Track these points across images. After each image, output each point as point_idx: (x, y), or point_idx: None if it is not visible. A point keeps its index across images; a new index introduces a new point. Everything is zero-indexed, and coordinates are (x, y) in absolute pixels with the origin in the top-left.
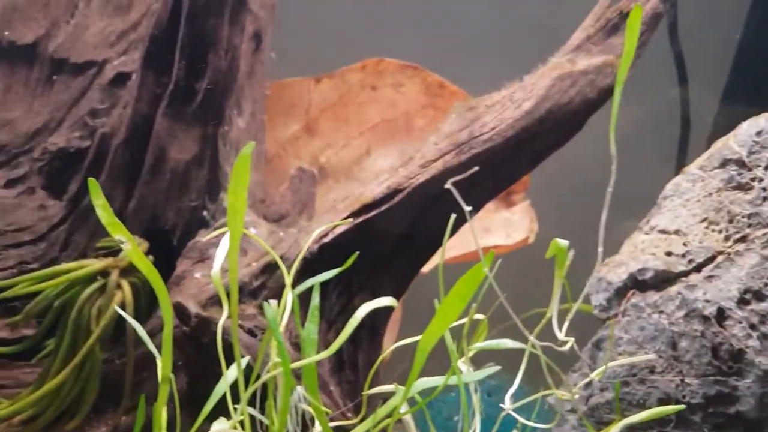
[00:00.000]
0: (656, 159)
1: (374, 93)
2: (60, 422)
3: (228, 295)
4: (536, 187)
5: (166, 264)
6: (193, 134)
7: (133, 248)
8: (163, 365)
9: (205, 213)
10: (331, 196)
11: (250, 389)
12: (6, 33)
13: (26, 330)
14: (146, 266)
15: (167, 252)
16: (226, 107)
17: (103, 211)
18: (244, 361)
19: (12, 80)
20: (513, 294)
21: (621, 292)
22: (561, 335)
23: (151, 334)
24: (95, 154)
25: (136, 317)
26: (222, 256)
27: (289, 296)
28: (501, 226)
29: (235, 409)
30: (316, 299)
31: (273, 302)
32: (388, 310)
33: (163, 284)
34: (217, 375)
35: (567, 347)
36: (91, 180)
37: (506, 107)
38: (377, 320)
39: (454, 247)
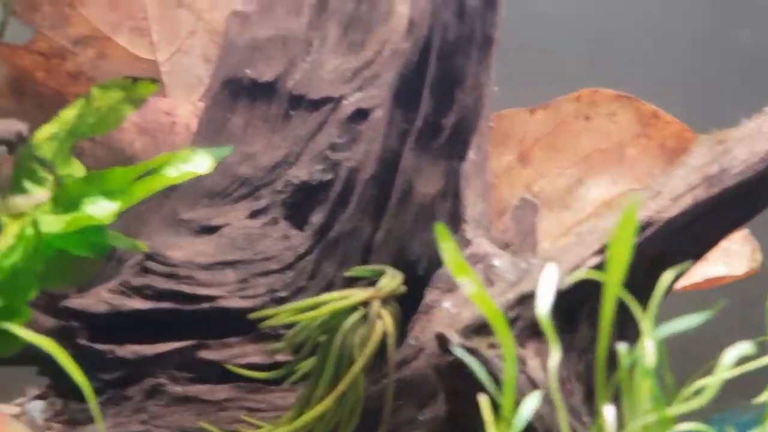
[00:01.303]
0: None
1: (588, 123)
2: None
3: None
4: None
5: (412, 294)
6: (439, 168)
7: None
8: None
9: None
10: (543, 225)
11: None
12: (248, 71)
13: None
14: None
15: (413, 282)
16: (471, 143)
17: (449, 253)
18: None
19: (252, 116)
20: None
21: None
22: None
23: (404, 362)
24: (342, 187)
25: None
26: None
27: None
28: (721, 255)
29: None
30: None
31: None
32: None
33: None
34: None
35: None
36: (440, 225)
37: (756, 140)
38: None
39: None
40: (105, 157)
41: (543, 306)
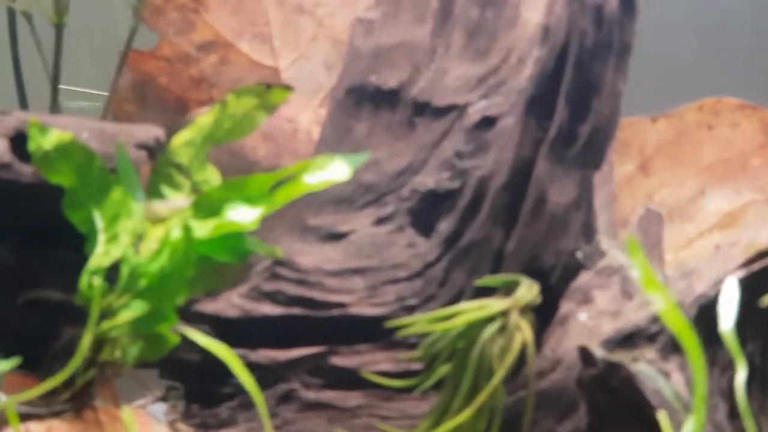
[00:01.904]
0: None
1: (710, 132)
2: None
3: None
4: None
5: (544, 304)
6: (574, 178)
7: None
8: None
9: (579, 254)
10: (665, 236)
11: None
12: (372, 78)
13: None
14: None
15: (545, 292)
16: (606, 152)
17: (640, 268)
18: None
19: (375, 123)
20: None
21: None
22: None
23: (541, 374)
24: (472, 195)
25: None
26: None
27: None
28: None
29: None
30: None
31: None
32: None
33: None
34: (624, 420)
35: None
36: (631, 239)
37: None
38: None
39: None
40: (229, 162)
41: (726, 322)
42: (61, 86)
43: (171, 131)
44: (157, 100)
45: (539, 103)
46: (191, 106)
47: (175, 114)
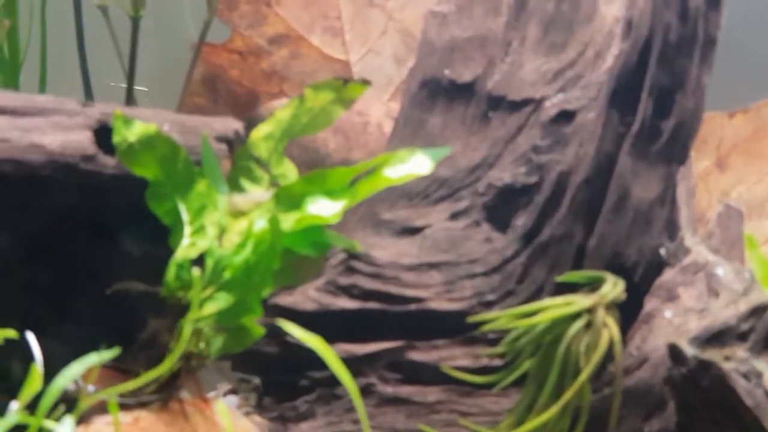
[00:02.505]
0: None
1: None
2: None
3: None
4: None
5: (628, 301)
6: (657, 173)
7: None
8: None
9: (663, 251)
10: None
11: None
12: (446, 71)
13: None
14: None
15: (629, 290)
16: (690, 147)
17: (760, 265)
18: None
19: (449, 117)
20: None
21: None
22: None
23: (627, 372)
24: (551, 190)
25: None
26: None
27: None
28: None
29: None
30: None
31: None
32: None
33: None
34: (716, 420)
35: None
36: (749, 237)
37: None
38: None
39: None
40: (300, 155)
41: None
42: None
43: (247, 124)
44: (228, 93)
45: (621, 97)
46: (262, 100)
47: (246, 107)
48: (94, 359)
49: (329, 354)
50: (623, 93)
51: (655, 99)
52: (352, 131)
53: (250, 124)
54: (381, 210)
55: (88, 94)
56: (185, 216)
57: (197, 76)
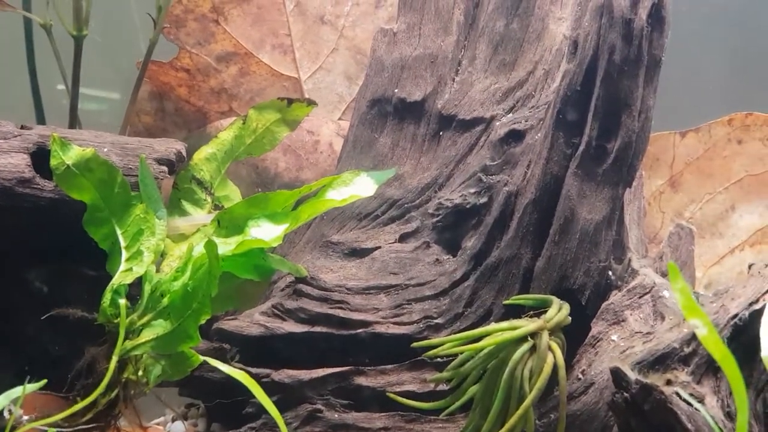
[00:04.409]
0: None
1: (740, 147)
2: None
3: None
4: None
5: (576, 324)
6: (604, 195)
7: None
8: None
9: (610, 273)
10: (696, 252)
11: None
12: (396, 90)
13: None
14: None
15: (576, 312)
16: (637, 168)
17: (682, 295)
18: None
19: (399, 136)
20: None
21: None
22: None
23: (572, 396)
24: (500, 212)
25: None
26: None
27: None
28: None
29: None
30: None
31: None
32: None
33: None
34: None
35: None
36: (671, 264)
37: None
38: None
39: None
40: (249, 175)
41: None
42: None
43: (191, 143)
44: (176, 111)
45: (568, 118)
46: (211, 118)
47: (195, 125)
48: (18, 392)
49: (254, 386)
50: (569, 114)
51: (601, 120)
52: (303, 150)
53: (199, 142)
54: (330, 231)
55: (39, 111)
56: (122, 241)
57: (144, 94)
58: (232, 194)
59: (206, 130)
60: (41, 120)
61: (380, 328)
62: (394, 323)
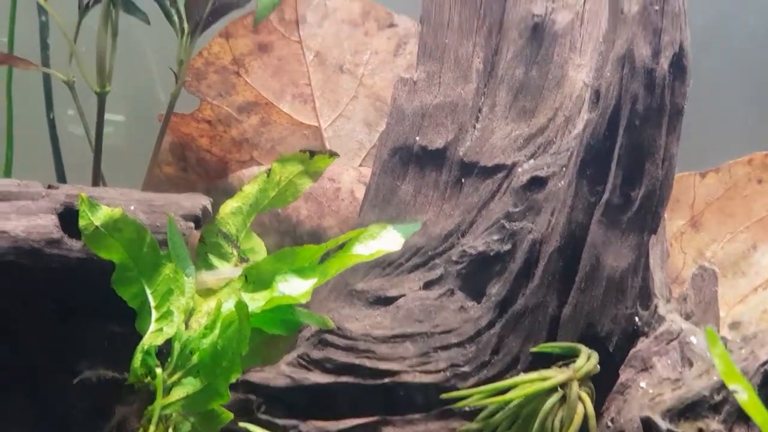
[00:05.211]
0: None
1: (760, 186)
2: None
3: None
4: None
5: (604, 372)
6: (629, 242)
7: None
8: None
9: (637, 320)
10: (719, 291)
11: None
12: (417, 138)
13: None
14: None
15: (604, 360)
16: (661, 215)
17: (721, 359)
18: None
19: (421, 183)
20: None
21: None
22: None
23: None
24: (524, 259)
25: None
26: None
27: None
28: None
29: None
30: None
31: None
32: None
33: None
34: None
35: None
36: (710, 330)
37: None
38: None
39: None
40: (272, 223)
41: None
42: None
43: (213, 194)
44: (198, 161)
45: (591, 166)
46: (232, 167)
47: (217, 175)
48: None
49: None
50: (593, 162)
51: (625, 168)
52: (324, 198)
53: (221, 192)
54: (354, 279)
55: (60, 168)
56: (152, 301)
57: (165, 146)
58: (257, 247)
59: (228, 180)
60: (60, 170)
61: (407, 377)
62: (421, 372)
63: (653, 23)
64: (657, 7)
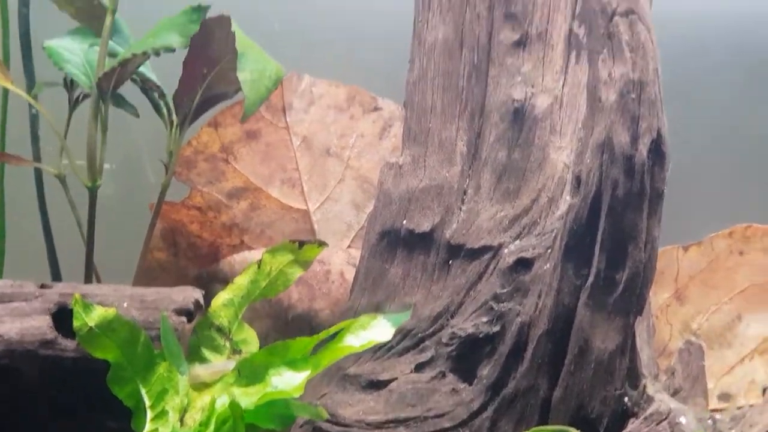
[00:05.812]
0: None
1: (742, 258)
2: None
3: None
4: None
5: None
6: (616, 324)
7: None
8: None
9: (626, 400)
10: (706, 363)
11: None
12: (405, 222)
13: None
14: None
15: None
16: (646, 297)
17: None
18: None
19: (410, 266)
20: None
21: None
22: None
23: None
24: (513, 342)
25: None
26: None
27: None
28: None
29: None
30: None
31: None
32: None
33: None
34: None
35: None
36: None
37: None
38: None
39: None
40: (263, 307)
41: None
42: None
43: (204, 280)
44: (189, 246)
45: (576, 251)
46: (223, 251)
47: (207, 259)
48: None
49: None
50: (577, 247)
51: (608, 252)
52: (315, 280)
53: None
54: (346, 363)
55: (53, 261)
56: (147, 401)
57: (156, 232)
58: (250, 338)
59: (219, 266)
60: (54, 263)
61: None
62: None
63: (631, 111)
64: (634, 96)
